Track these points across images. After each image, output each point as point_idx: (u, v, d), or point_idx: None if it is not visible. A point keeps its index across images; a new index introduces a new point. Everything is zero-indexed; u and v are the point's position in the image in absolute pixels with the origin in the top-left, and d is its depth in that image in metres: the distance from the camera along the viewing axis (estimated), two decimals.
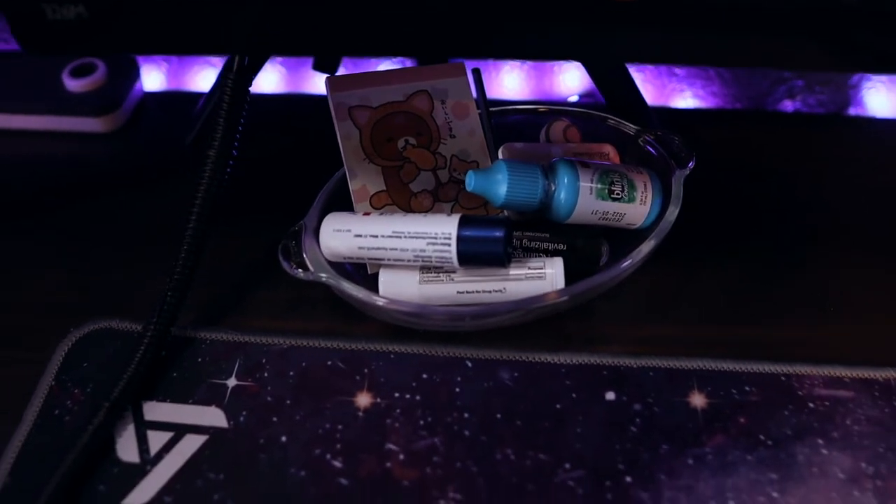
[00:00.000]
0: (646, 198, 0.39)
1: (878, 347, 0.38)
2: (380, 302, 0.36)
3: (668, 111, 0.54)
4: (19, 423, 0.36)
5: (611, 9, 0.30)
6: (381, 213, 0.38)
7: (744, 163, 0.49)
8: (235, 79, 0.36)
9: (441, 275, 0.37)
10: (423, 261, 0.36)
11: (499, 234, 0.35)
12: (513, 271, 0.37)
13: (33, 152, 0.50)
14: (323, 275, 0.37)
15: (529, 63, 0.54)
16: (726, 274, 0.42)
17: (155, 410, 0.36)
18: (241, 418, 0.36)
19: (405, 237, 0.36)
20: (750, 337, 0.39)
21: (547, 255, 0.39)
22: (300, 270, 0.37)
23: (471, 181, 0.38)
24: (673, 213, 0.39)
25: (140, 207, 0.47)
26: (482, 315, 0.37)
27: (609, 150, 0.43)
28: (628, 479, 0.33)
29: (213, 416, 0.36)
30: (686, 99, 0.55)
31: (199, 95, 0.53)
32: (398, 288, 0.37)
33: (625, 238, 0.39)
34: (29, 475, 0.34)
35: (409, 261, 0.36)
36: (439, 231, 0.35)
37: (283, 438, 0.35)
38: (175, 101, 0.55)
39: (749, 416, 0.36)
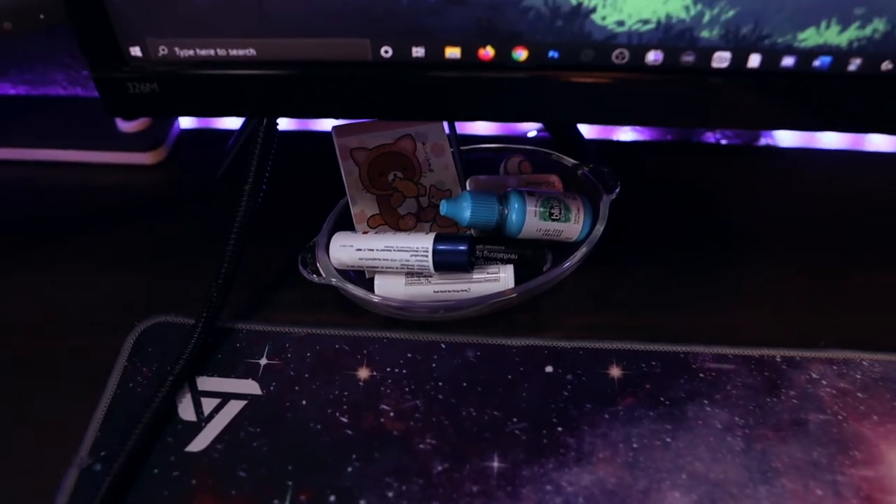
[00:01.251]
0: (579, 218, 0.50)
1: (760, 332, 0.50)
2: (375, 299, 0.48)
3: (609, 143, 0.66)
4: (102, 393, 0.47)
5: (563, 85, 0.41)
6: (376, 232, 0.49)
7: (671, 186, 0.61)
8: (265, 132, 0.48)
9: (421, 279, 0.49)
10: (407, 268, 0.48)
11: (463, 247, 0.47)
12: (475, 275, 0.49)
13: (93, 182, 0.62)
14: (332, 279, 0.49)
15: None
16: (643, 276, 0.53)
17: (206, 383, 0.48)
18: (272, 388, 0.47)
19: (394, 250, 0.48)
20: (659, 325, 0.50)
21: (502, 263, 0.50)
22: (315, 276, 0.49)
23: (443, 208, 0.49)
24: (600, 229, 0.51)
25: (183, 225, 0.58)
26: (452, 308, 0.49)
27: (554, 179, 0.55)
28: (559, 428, 0.45)
29: (250, 387, 0.47)
30: (626, 132, 0.67)
31: (225, 132, 0.65)
32: (389, 288, 0.49)
33: (564, 249, 0.51)
34: (114, 431, 0.45)
35: (396, 268, 0.48)
36: (419, 246, 0.47)
37: (304, 402, 0.46)
38: (206, 137, 0.66)
39: (653, 383, 0.47)
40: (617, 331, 0.49)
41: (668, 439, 0.44)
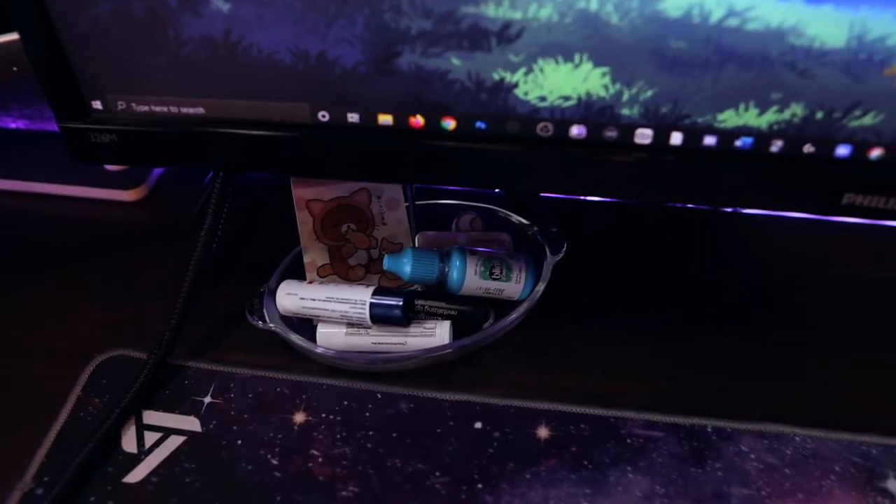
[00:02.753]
0: (520, 278, 0.52)
1: (686, 400, 0.50)
2: (317, 349, 0.50)
3: (563, 200, 0.66)
4: (55, 420, 0.50)
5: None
6: (321, 282, 0.51)
7: (618, 245, 0.62)
8: (221, 182, 0.50)
9: (361, 330, 0.51)
10: (347, 319, 0.50)
11: (398, 302, 0.49)
12: (412, 329, 0.50)
13: (74, 214, 0.65)
14: (275, 326, 0.51)
15: None
16: (584, 337, 0.54)
17: (152, 417, 0.50)
18: (212, 425, 0.49)
19: (335, 301, 0.50)
20: (594, 387, 0.51)
21: (441, 319, 0.52)
22: (259, 322, 0.51)
23: (385, 263, 0.51)
24: (541, 288, 0.52)
25: (155, 262, 0.61)
26: (388, 361, 0.50)
27: (505, 237, 0.56)
28: (480, 485, 0.46)
29: (192, 423, 0.49)
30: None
31: (203, 173, 0.68)
32: (330, 338, 0.51)
33: (507, 305, 0.52)
34: (60, 458, 0.47)
35: (337, 318, 0.50)
36: (357, 298, 0.49)
37: (239, 441, 0.48)
38: (185, 178, 0.69)
39: (579, 446, 0.48)
40: (549, 391, 0.50)
41: (585, 503, 0.45)
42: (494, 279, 0.51)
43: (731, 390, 0.51)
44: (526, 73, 0.40)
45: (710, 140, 0.42)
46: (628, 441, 0.48)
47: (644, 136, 0.42)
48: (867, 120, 0.40)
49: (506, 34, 0.39)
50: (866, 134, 0.40)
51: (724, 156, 0.42)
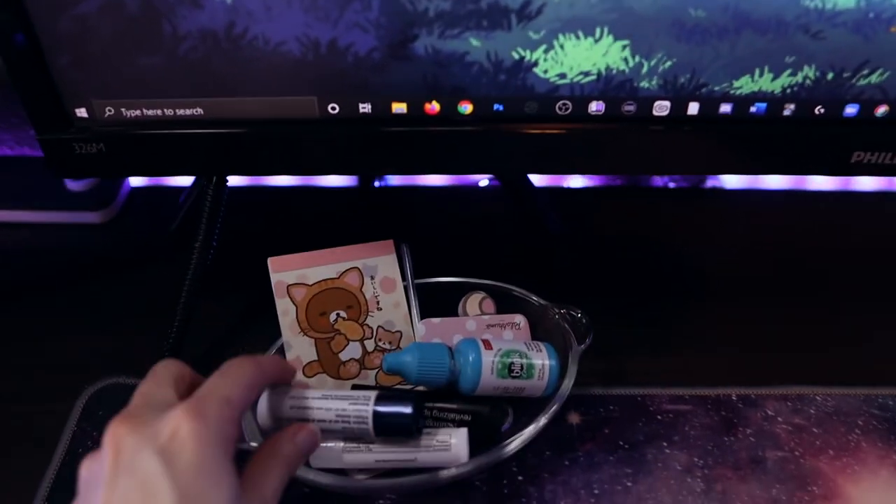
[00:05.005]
0: (543, 374, 0.43)
1: (708, 372, 0.50)
2: (309, 476, 0.40)
3: (561, 190, 0.67)
4: (50, 461, 0.45)
5: (492, 142, 0.42)
6: (308, 394, 0.40)
7: (621, 229, 0.62)
8: (214, 189, 0.48)
9: (361, 445, 0.41)
10: (346, 432, 0.40)
11: (408, 410, 0.40)
12: (423, 442, 0.41)
13: (41, 243, 0.61)
14: (254, 444, 0.41)
15: None
16: (598, 322, 0.53)
17: None
18: None
19: (332, 414, 0.39)
20: (616, 369, 0.51)
21: (454, 425, 0.43)
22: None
23: (386, 364, 0.43)
24: (568, 385, 0.43)
25: (134, 285, 0.57)
26: (397, 488, 0.42)
27: (520, 319, 0.48)
28: (520, 477, 0.45)
29: None
30: (576, 179, 0.68)
31: (175, 189, 0.64)
32: (325, 456, 0.41)
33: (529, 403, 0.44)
34: (63, 498, 0.44)
35: (336, 432, 0.40)
36: (357, 411, 0.39)
37: None
38: (157, 195, 0.66)
39: (612, 427, 0.47)
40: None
41: (629, 483, 0.44)
42: (514, 377, 0.43)
43: (748, 360, 0.51)
44: (546, 51, 0.40)
45: (725, 108, 0.42)
46: (658, 417, 0.48)
47: (662, 108, 0.42)
48: (874, 78, 0.41)
49: (526, 11, 0.38)
50: (873, 92, 0.42)
51: (738, 122, 0.43)
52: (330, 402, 0.40)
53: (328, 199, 0.65)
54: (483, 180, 0.67)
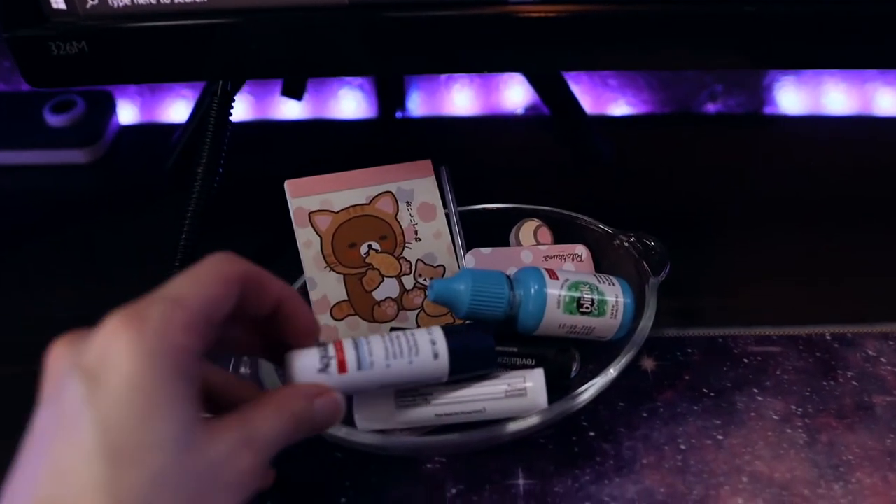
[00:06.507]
0: (616, 312, 0.37)
1: (796, 309, 0.44)
2: (358, 437, 0.34)
3: (604, 118, 0.60)
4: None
5: (545, 26, 0.35)
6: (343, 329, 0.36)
7: (676, 157, 0.55)
8: (220, 101, 0.40)
9: (417, 397, 0.35)
10: (409, 378, 0.32)
11: (489, 342, 0.34)
12: (489, 388, 0.34)
13: (23, 185, 0.53)
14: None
15: (478, 80, 0.59)
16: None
17: None
18: None
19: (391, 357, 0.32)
20: (690, 308, 0.44)
21: (515, 370, 0.36)
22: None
23: (432, 292, 0.36)
24: (647, 325, 0.37)
25: (130, 228, 0.50)
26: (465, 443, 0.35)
27: (581, 250, 0.42)
28: (591, 433, 0.38)
29: None
30: (620, 106, 0.61)
31: (170, 126, 0.57)
32: (374, 411, 0.35)
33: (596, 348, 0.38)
34: None
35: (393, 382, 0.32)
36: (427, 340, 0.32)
37: None
38: (149, 133, 0.58)
39: (692, 373, 0.41)
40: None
41: (720, 436, 0.38)
42: (584, 313, 0.37)
43: (840, 292, 0.45)
44: None
45: None
46: (745, 361, 0.41)
47: None
48: None
49: None
50: None
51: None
52: (382, 336, 0.32)
53: (344, 134, 0.58)
54: (520, 108, 0.59)
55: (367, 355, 0.30)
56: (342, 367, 0.30)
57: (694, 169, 0.54)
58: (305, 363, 0.29)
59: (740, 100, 0.61)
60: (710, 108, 0.61)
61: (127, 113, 0.60)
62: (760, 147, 0.57)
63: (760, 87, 0.60)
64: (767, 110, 0.61)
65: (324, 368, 0.29)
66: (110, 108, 0.56)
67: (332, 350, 0.30)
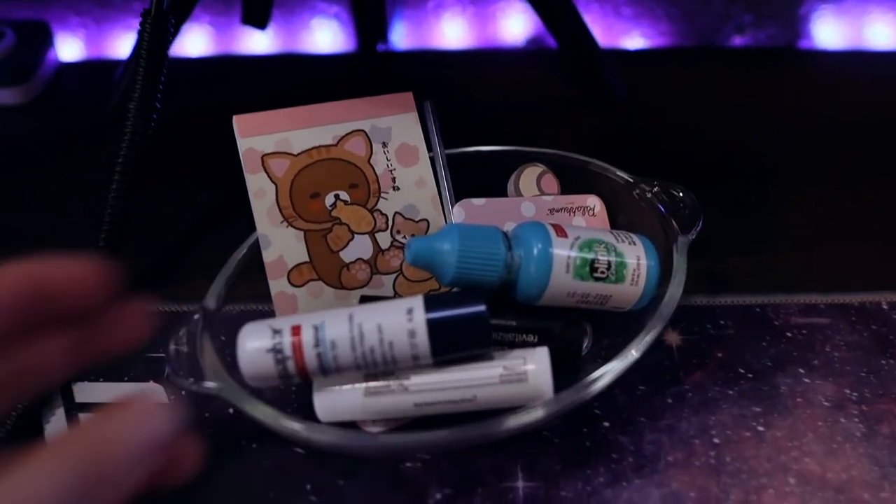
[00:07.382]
0: (638, 277, 0.30)
1: (846, 273, 0.37)
2: (317, 435, 0.27)
3: (617, 52, 0.52)
4: None
5: None
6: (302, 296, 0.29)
7: (699, 97, 0.48)
8: (154, 22, 0.33)
9: (391, 383, 0.28)
10: (377, 360, 0.27)
11: (482, 310, 0.27)
12: (483, 372, 0.28)
13: None
14: (218, 385, 0.28)
15: (471, 9, 0.52)
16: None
17: (86, 392, 0.33)
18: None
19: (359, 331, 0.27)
20: (722, 271, 0.37)
21: (510, 349, 0.30)
22: (191, 380, 0.28)
23: (410, 252, 0.29)
24: (676, 292, 0.30)
25: (67, 173, 0.43)
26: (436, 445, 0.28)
27: (594, 201, 0.35)
28: (605, 423, 0.31)
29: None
30: (634, 39, 0.53)
31: (118, 63, 0.49)
32: (338, 400, 0.28)
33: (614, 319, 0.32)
34: None
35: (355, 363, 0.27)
36: (398, 313, 0.27)
37: None
38: (94, 70, 0.51)
39: (725, 350, 0.34)
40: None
41: (761, 427, 0.31)
42: (598, 279, 0.30)
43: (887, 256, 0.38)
44: None
45: None
46: (788, 335, 0.35)
47: None
48: None
49: None
50: None
51: None
52: (342, 310, 0.27)
53: (317, 70, 0.50)
54: (521, 41, 0.52)
55: (328, 350, 0.26)
56: (302, 372, 0.27)
57: (718, 111, 0.47)
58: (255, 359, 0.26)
59: (771, 32, 0.54)
60: (737, 41, 0.54)
61: (70, 49, 0.52)
62: (794, 87, 0.50)
63: (795, 17, 0.53)
64: (802, 44, 0.54)
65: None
66: (46, 41, 0.49)
67: (287, 347, 0.26)
